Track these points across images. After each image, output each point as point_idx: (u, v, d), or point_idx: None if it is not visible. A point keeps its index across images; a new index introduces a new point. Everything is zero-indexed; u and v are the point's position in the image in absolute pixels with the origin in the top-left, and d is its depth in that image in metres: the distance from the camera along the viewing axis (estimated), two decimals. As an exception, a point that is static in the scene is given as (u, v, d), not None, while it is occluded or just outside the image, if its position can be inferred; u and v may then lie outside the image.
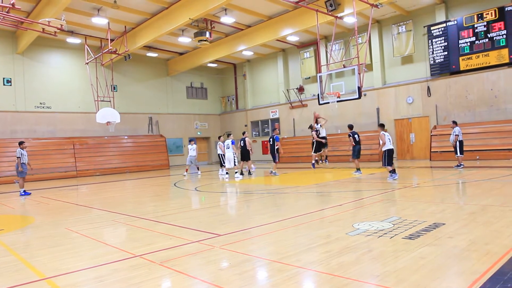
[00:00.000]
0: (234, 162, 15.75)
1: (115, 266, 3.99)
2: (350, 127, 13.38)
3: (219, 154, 16.66)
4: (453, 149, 13.74)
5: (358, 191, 9.21)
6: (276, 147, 14.43)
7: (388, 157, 10.71)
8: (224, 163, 16.01)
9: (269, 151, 14.89)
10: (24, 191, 12.10)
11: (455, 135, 13.10)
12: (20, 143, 12.12)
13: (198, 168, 18.13)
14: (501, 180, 9.53)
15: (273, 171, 14.64)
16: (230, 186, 12.21)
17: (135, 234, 5.83)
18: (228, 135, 16.73)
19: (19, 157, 11.86)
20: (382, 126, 11.15)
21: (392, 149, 10.90)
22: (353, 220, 5.59)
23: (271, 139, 14.64)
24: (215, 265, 3.93)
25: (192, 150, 17.60)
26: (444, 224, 5.02)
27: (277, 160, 14.70)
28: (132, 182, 16.11)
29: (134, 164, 23.06)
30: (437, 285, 3.02)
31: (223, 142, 16.19)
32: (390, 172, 10.78)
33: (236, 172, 15.30)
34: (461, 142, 13.25)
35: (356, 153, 13.02)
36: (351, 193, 8.89)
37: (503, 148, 15.54)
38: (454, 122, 13.45)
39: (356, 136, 13.01)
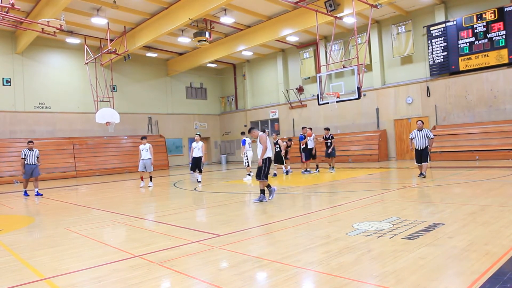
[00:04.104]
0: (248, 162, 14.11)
1: (114, 267, 3.99)
2: (328, 129, 15.05)
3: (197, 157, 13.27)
4: (414, 153, 11.14)
5: (357, 191, 9.21)
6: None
7: (267, 168, 7.97)
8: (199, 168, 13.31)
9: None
10: (29, 191, 11.81)
11: (431, 138, 10.64)
12: (28, 143, 11.85)
13: (150, 179, 13.17)
14: (500, 180, 9.54)
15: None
16: (229, 187, 12.20)
17: (134, 234, 5.83)
18: (242, 133, 14.84)
19: (23, 158, 11.65)
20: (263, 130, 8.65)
21: (270, 157, 8.18)
22: (352, 220, 5.59)
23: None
24: (215, 265, 3.92)
25: (144, 150, 12.88)
26: (443, 224, 5.03)
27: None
28: (132, 182, 16.08)
29: (134, 164, 22.87)
30: (436, 285, 3.02)
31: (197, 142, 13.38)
32: (266, 187, 8.07)
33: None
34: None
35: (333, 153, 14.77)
36: (351, 193, 8.89)
37: (502, 148, 15.55)
38: (423, 123, 11.04)
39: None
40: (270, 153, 8.06)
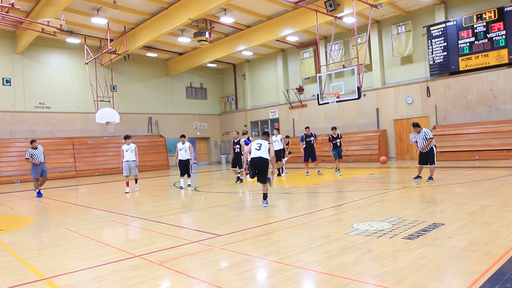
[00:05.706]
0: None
1: (114, 266, 3.99)
2: (335, 128, 14.03)
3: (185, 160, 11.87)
4: (417, 155, 10.58)
5: (357, 191, 9.21)
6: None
7: (250, 171, 7.65)
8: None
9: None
10: (38, 191, 11.52)
11: (430, 138, 9.90)
12: (31, 142, 11.52)
13: (136, 181, 12.08)
14: (500, 180, 9.54)
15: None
16: (229, 187, 12.19)
17: (134, 234, 5.83)
18: (244, 133, 13.81)
19: (28, 158, 11.32)
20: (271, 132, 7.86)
21: (254, 158, 7.47)
22: (352, 220, 5.59)
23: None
24: (215, 265, 3.93)
25: (129, 151, 11.45)
26: (443, 224, 5.03)
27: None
28: (131, 182, 16.04)
29: (134, 164, 23.00)
30: (436, 285, 3.02)
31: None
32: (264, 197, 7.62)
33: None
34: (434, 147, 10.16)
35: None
36: (351, 193, 8.89)
37: (503, 148, 15.56)
38: (417, 125, 10.17)
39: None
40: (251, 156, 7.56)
